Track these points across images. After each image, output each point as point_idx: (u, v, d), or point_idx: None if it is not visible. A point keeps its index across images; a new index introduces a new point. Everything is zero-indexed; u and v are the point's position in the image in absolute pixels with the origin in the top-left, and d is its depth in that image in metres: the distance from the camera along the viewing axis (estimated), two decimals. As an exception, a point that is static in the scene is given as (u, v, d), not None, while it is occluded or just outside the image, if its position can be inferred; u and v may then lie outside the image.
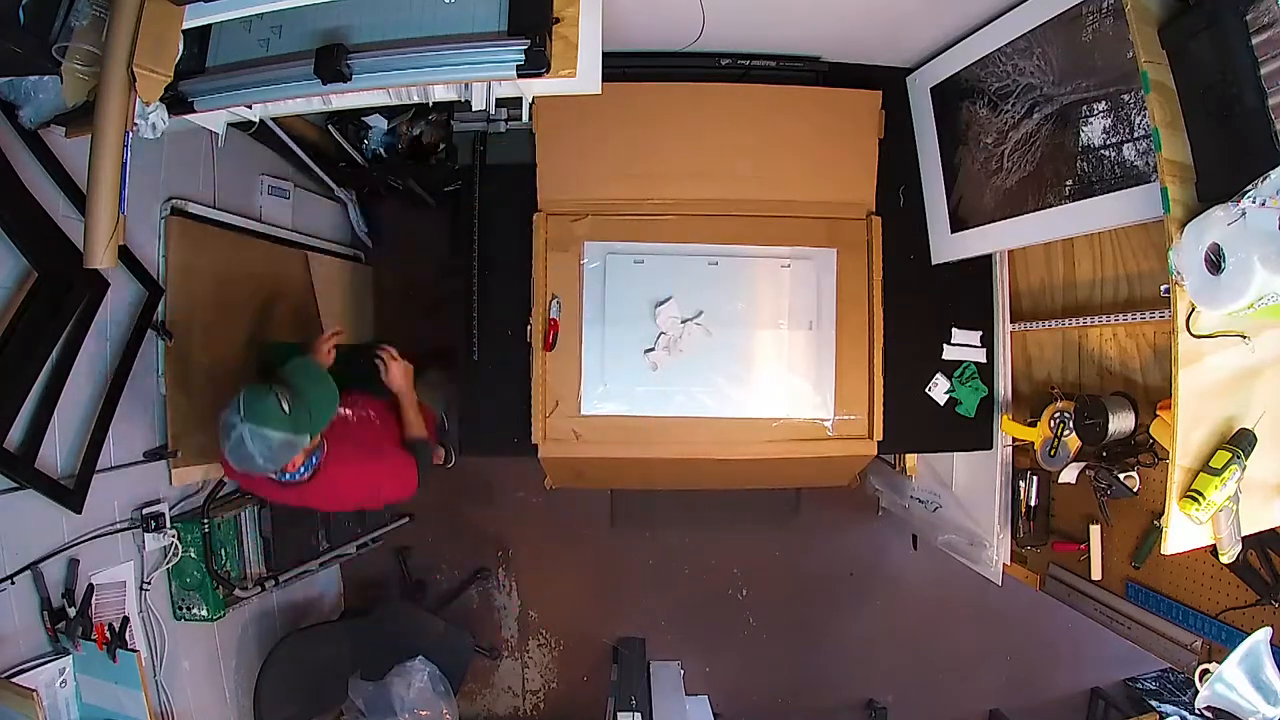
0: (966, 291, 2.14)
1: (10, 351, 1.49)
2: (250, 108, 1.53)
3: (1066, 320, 1.91)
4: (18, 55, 1.21)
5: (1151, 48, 1.23)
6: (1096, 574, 1.91)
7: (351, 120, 2.41)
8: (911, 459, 2.63)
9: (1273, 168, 1.05)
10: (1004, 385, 2.17)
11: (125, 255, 1.81)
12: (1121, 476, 1.75)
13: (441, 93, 1.57)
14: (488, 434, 2.09)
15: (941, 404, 2.13)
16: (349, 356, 1.86)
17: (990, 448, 2.18)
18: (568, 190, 2.01)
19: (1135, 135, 1.43)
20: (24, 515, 1.55)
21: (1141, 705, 3.08)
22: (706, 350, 2.02)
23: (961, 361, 2.13)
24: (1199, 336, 1.23)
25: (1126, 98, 1.44)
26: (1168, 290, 1.26)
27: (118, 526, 1.81)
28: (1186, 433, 1.27)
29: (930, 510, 2.56)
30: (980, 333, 2.14)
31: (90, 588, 1.70)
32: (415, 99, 1.57)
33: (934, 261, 2.11)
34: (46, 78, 1.39)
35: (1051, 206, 1.67)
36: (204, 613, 2.03)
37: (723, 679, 3.21)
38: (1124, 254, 1.77)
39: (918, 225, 2.11)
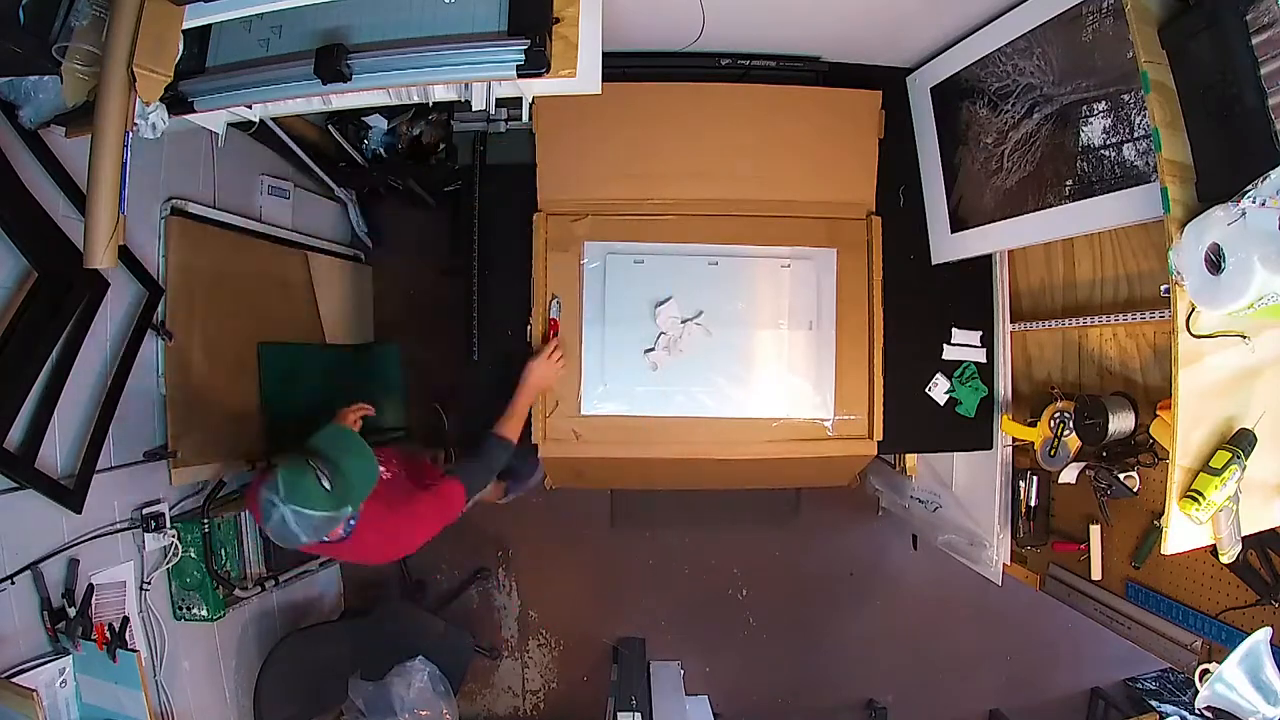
0: (966, 291, 2.14)
1: (10, 351, 1.49)
2: (250, 108, 1.53)
3: (1066, 320, 1.91)
4: (18, 55, 1.21)
5: (1151, 48, 1.23)
6: (1096, 574, 1.91)
7: (351, 120, 2.41)
8: (911, 459, 2.63)
9: (1273, 168, 1.05)
10: (1004, 385, 2.17)
11: (125, 255, 1.81)
12: (1121, 476, 1.75)
13: (441, 93, 1.57)
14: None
15: (941, 404, 2.13)
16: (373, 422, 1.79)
17: (990, 448, 2.18)
18: (568, 190, 2.01)
19: (1135, 135, 1.43)
20: (24, 515, 1.55)
21: (1141, 705, 3.08)
22: (706, 350, 2.02)
23: (961, 361, 2.13)
24: (1199, 336, 1.23)
25: (1126, 98, 1.44)
26: (1168, 290, 1.26)
27: (118, 526, 1.81)
28: (1186, 433, 1.27)
29: (930, 510, 2.56)
30: (980, 333, 2.14)
31: (90, 588, 1.70)
32: (415, 99, 1.57)
33: (934, 261, 2.11)
34: (46, 78, 1.40)
35: (1051, 206, 1.67)
36: (204, 613, 2.03)
37: (723, 679, 3.21)
38: (1124, 254, 1.77)
39: (918, 225, 2.11)
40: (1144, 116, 1.39)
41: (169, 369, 1.97)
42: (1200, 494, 1.24)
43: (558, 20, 1.40)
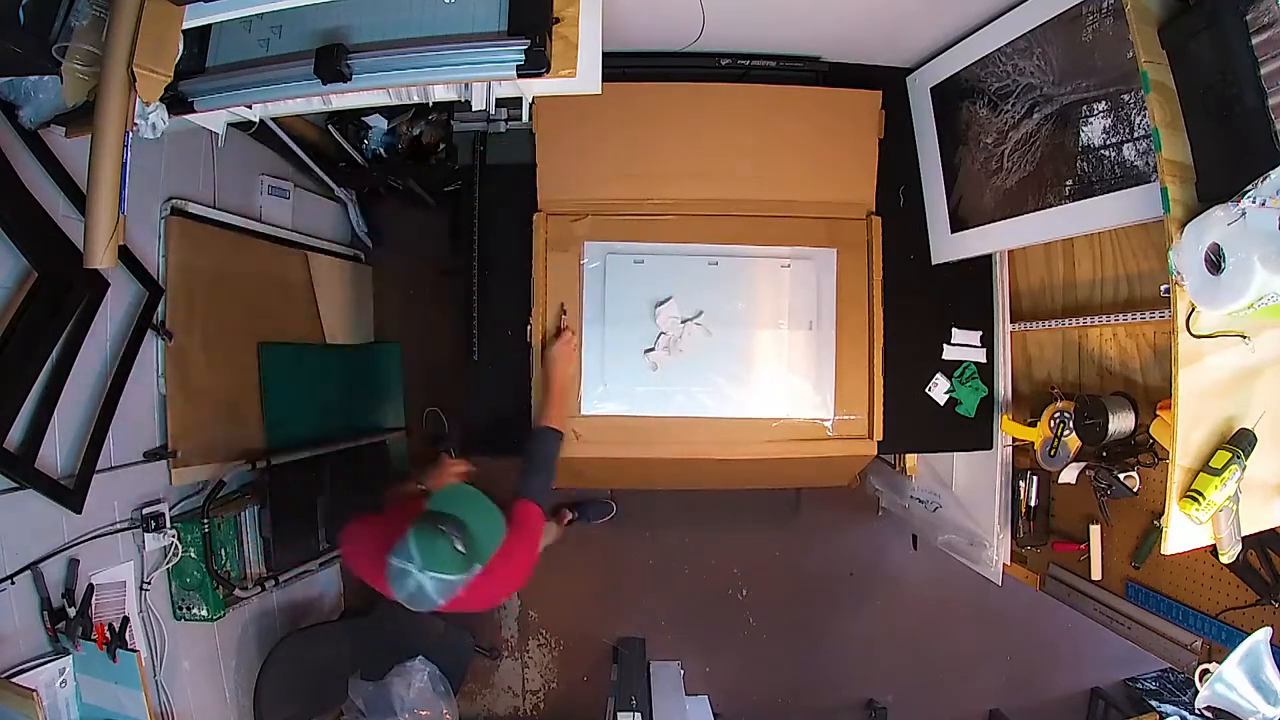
0: (966, 291, 2.14)
1: (10, 351, 1.49)
2: (250, 108, 1.52)
3: (1066, 320, 1.91)
4: (18, 55, 1.21)
5: (1151, 48, 1.23)
6: (1096, 574, 1.91)
7: (351, 120, 2.41)
8: (911, 459, 2.63)
9: (1273, 168, 1.05)
10: (1004, 385, 2.17)
11: (125, 255, 1.81)
12: (1121, 476, 1.75)
13: (441, 93, 1.57)
14: (488, 434, 2.09)
15: (941, 404, 2.13)
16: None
17: (990, 448, 2.18)
18: (568, 190, 2.01)
19: (1135, 135, 1.43)
20: (24, 515, 1.55)
21: (1141, 705, 3.08)
22: (706, 350, 2.02)
23: (961, 361, 2.13)
24: (1199, 336, 1.23)
25: (1126, 98, 1.44)
26: (1168, 290, 1.26)
27: (118, 526, 1.81)
28: (1186, 433, 1.27)
29: (930, 510, 2.56)
30: (980, 333, 2.14)
31: (90, 588, 1.70)
32: (415, 99, 1.57)
33: (934, 261, 2.11)
34: (46, 78, 1.40)
35: (1051, 206, 1.67)
36: (204, 613, 2.03)
37: (723, 679, 3.20)
38: (1124, 254, 1.77)
39: (918, 225, 2.11)
40: (1144, 116, 1.39)
41: (169, 369, 1.97)
42: (1200, 494, 1.25)
43: (558, 20, 1.40)
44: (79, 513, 1.66)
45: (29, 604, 1.57)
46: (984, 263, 2.11)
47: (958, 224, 2.00)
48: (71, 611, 1.64)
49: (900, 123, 2.07)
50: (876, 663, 3.23)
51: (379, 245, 3.11)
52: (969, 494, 2.33)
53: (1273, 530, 1.38)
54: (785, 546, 3.23)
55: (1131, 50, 1.28)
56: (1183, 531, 1.29)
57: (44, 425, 1.58)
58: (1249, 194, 1.07)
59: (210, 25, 1.36)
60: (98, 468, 1.72)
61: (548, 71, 1.38)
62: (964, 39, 1.83)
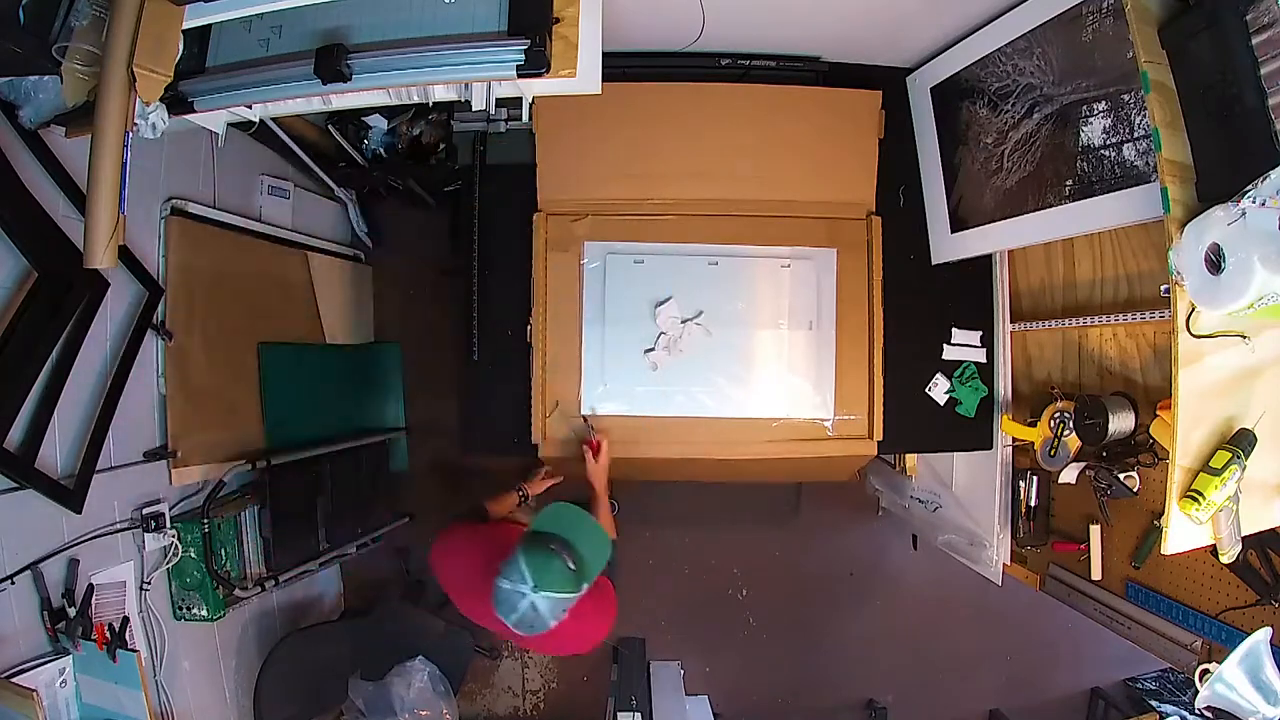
0: (966, 291, 2.14)
1: (10, 351, 1.49)
2: (250, 108, 1.52)
3: (1066, 320, 1.91)
4: (18, 55, 1.21)
5: (1151, 48, 1.23)
6: (1096, 574, 1.91)
7: (351, 120, 2.41)
8: (911, 459, 2.63)
9: (1273, 168, 1.05)
10: (1004, 385, 2.17)
11: (125, 255, 1.81)
12: (1121, 476, 1.75)
13: (441, 93, 1.57)
14: (488, 434, 2.09)
15: (941, 404, 2.13)
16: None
17: (990, 448, 2.18)
18: (568, 190, 2.01)
19: (1135, 135, 1.43)
20: (24, 515, 1.55)
21: (1141, 705, 3.08)
22: (706, 350, 2.02)
23: (961, 361, 2.13)
24: (1199, 336, 1.23)
25: (1126, 98, 1.44)
26: (1168, 290, 1.26)
27: (118, 526, 1.81)
28: (1186, 433, 1.27)
29: (930, 510, 2.56)
30: (980, 333, 2.14)
31: (90, 588, 1.70)
32: (415, 99, 1.57)
33: (934, 261, 2.11)
34: (46, 78, 1.40)
35: (1051, 206, 1.67)
36: (204, 613, 2.03)
37: (723, 679, 3.20)
38: (1124, 254, 1.77)
39: (918, 225, 2.11)
40: (1144, 116, 1.39)
41: (169, 369, 1.97)
42: (1200, 494, 1.24)
43: (558, 20, 1.40)
44: (79, 513, 1.66)
45: (29, 604, 1.57)
46: (984, 263, 2.11)
47: (958, 224, 2.00)
48: (71, 611, 1.64)
49: (900, 123, 2.07)
50: (876, 663, 3.23)
51: (379, 245, 3.11)
52: (969, 494, 2.33)
53: (1273, 530, 1.38)
54: (785, 546, 3.23)
55: (1131, 50, 1.28)
56: (1183, 531, 1.29)
57: (44, 425, 1.58)
58: (1249, 194, 1.07)
59: (210, 25, 1.36)
60: (98, 468, 1.72)
61: (548, 71, 1.38)
62: (964, 39, 1.83)
